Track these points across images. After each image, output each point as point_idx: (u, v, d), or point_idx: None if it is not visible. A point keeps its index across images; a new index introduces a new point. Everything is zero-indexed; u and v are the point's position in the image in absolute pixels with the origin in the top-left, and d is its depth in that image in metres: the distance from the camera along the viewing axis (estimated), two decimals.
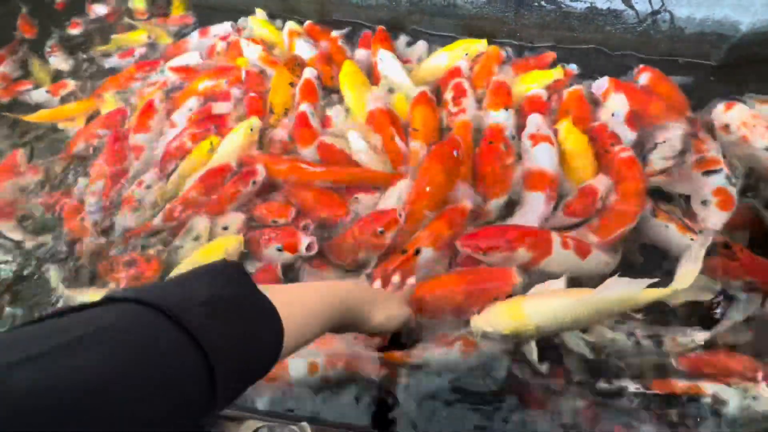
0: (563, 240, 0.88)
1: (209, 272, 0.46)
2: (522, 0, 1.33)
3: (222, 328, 0.39)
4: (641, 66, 1.22)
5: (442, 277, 0.91)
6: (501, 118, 1.13)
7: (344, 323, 0.62)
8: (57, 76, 1.65)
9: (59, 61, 1.68)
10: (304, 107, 1.23)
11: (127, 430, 0.30)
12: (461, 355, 0.82)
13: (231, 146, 1.19)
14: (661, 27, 1.25)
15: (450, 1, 1.43)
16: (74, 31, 1.80)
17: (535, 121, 1.08)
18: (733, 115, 1.04)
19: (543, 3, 1.32)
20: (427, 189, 0.98)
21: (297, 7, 1.66)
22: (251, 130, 1.21)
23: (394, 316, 0.72)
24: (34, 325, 0.33)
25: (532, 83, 1.22)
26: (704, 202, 0.93)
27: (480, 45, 1.34)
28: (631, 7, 1.24)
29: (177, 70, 1.51)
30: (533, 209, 0.98)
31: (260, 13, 1.63)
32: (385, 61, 1.32)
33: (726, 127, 1.04)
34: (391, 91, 1.28)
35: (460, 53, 1.33)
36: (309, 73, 1.32)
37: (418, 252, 0.91)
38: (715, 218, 0.91)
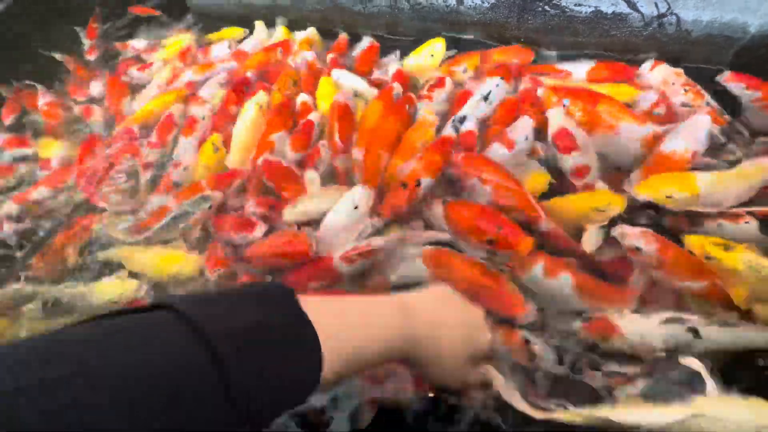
0: None
1: (259, 295, 0.46)
2: (525, 5, 1.32)
3: (257, 359, 0.39)
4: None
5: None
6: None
7: (411, 354, 0.56)
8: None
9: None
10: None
11: None
12: None
13: (244, 124, 1.25)
14: (667, 30, 1.23)
15: (453, 7, 1.42)
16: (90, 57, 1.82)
17: None
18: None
19: (547, 8, 1.31)
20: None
21: (300, 17, 1.67)
22: (260, 107, 1.26)
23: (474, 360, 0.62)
24: (64, 333, 0.34)
25: None
26: None
27: (439, 44, 1.40)
28: (637, 10, 1.22)
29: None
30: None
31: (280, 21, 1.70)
32: (342, 78, 1.36)
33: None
34: (356, 94, 1.31)
35: (427, 54, 1.40)
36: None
37: (419, 183, 0.97)
38: None
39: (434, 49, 1.40)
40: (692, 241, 0.81)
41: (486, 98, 1.14)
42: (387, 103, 1.20)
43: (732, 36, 1.19)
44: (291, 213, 1.03)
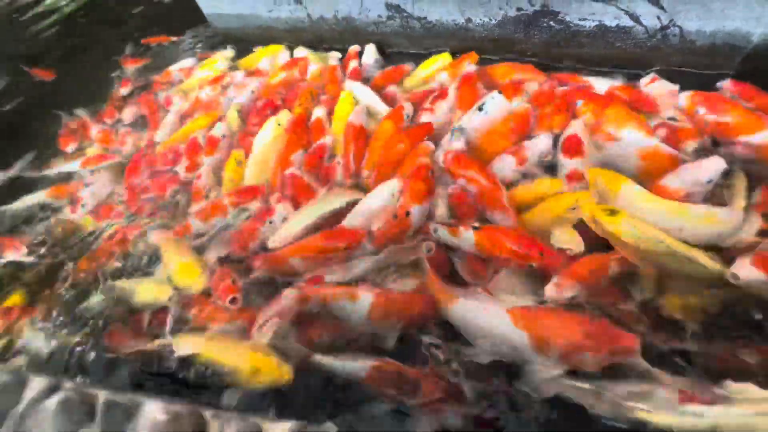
0: None
1: None
2: (531, 21, 1.38)
3: None
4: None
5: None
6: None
7: None
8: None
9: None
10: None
11: None
12: None
13: (263, 140, 1.35)
14: (671, 41, 1.26)
15: (462, 24, 1.49)
16: (123, 90, 1.94)
17: None
18: (652, 88, 1.19)
19: (552, 23, 1.36)
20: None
21: (319, 38, 1.76)
22: (279, 124, 1.36)
23: None
24: None
25: None
26: None
27: (443, 59, 1.48)
28: (639, 23, 1.26)
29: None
30: None
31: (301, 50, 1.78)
32: (356, 90, 1.44)
33: None
34: (369, 113, 1.38)
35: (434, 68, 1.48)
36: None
37: (408, 214, 1.03)
38: None
39: (441, 62, 1.48)
40: (585, 206, 0.94)
41: (481, 109, 1.19)
42: (397, 123, 1.27)
43: (736, 45, 1.21)
44: (274, 241, 1.11)
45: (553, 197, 1.02)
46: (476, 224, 1.00)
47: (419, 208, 1.05)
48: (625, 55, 1.34)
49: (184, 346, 0.94)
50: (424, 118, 1.27)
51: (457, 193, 1.07)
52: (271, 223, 1.15)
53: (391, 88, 1.47)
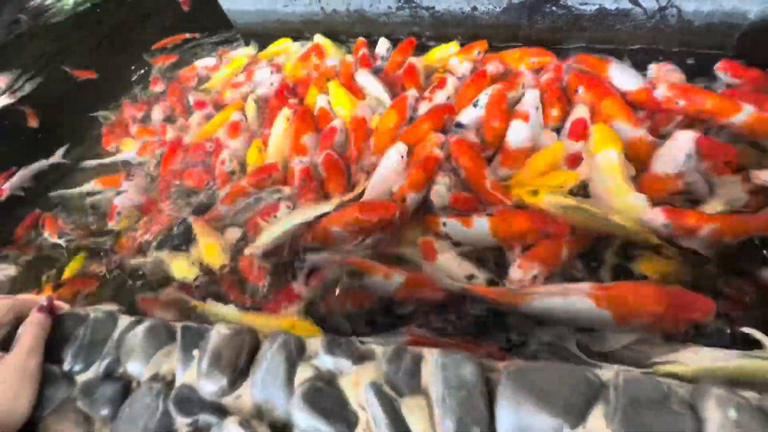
0: None
1: None
2: (534, 7, 1.44)
3: None
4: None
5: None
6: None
7: None
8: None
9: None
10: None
11: None
12: None
13: (276, 132, 1.47)
14: (670, 21, 1.31)
15: (468, 13, 1.56)
16: (156, 88, 2.06)
17: None
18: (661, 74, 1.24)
19: (554, 8, 1.42)
20: None
21: (332, 30, 1.86)
22: (287, 119, 1.47)
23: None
24: None
25: None
26: None
27: (453, 47, 1.56)
28: (638, 5, 1.31)
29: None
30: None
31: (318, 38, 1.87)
32: (364, 81, 1.53)
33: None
34: (372, 106, 1.46)
35: (444, 52, 1.57)
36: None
37: (404, 200, 1.12)
38: None
39: (448, 50, 1.56)
40: (515, 191, 1.06)
41: (475, 105, 1.27)
42: (401, 113, 1.35)
43: (733, 23, 1.25)
44: (253, 247, 1.18)
45: (540, 179, 1.11)
46: (489, 211, 1.05)
47: (415, 196, 1.13)
48: (626, 37, 1.40)
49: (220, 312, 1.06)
50: (423, 106, 1.35)
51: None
52: (276, 218, 1.24)
53: (411, 59, 1.55)
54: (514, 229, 1.00)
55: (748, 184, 0.94)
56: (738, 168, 0.99)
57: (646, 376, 0.45)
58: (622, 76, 1.23)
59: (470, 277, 1.00)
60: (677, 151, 1.01)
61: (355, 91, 1.54)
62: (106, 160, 1.77)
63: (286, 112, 1.49)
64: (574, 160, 1.10)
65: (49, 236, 1.51)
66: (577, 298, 0.86)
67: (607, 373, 0.48)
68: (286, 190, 1.31)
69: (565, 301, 0.87)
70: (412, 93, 1.39)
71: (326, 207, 1.16)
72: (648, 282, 0.90)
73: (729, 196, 0.94)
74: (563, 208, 0.99)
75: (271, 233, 1.17)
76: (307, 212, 1.18)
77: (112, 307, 0.76)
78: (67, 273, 1.37)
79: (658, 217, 0.94)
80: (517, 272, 0.95)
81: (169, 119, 1.87)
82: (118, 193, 1.53)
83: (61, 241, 1.49)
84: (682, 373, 0.69)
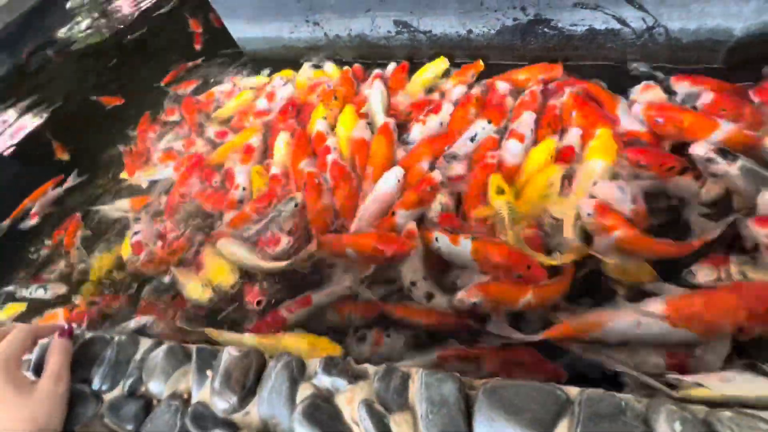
0: None
1: None
2: (527, 29, 1.50)
3: None
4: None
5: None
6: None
7: None
8: None
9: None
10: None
11: None
12: None
13: (279, 154, 1.57)
14: (658, 40, 1.36)
15: (464, 36, 1.63)
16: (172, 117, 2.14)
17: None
18: (645, 96, 1.27)
19: (546, 30, 1.48)
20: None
21: (334, 53, 1.94)
22: (286, 143, 1.57)
23: None
24: None
25: None
26: None
27: (442, 63, 1.64)
28: (627, 25, 1.36)
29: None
30: None
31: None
32: (372, 96, 1.60)
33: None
34: (369, 125, 1.52)
35: (431, 74, 1.65)
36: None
37: (393, 213, 1.19)
38: None
39: (436, 67, 1.65)
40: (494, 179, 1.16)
41: (472, 140, 1.32)
42: (387, 138, 1.41)
43: (719, 40, 1.29)
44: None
45: (532, 180, 1.18)
46: (475, 235, 1.08)
47: (404, 213, 1.19)
48: (616, 55, 1.44)
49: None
50: (416, 128, 1.42)
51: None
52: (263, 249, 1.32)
53: (399, 97, 1.61)
54: (489, 259, 1.02)
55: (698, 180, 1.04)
56: (683, 167, 1.06)
57: (606, 392, 0.51)
58: (629, 118, 1.24)
59: (429, 297, 1.05)
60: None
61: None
62: (144, 181, 1.84)
63: (284, 137, 1.57)
64: (567, 155, 1.18)
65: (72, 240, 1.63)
66: (653, 321, 0.81)
67: (574, 389, 0.53)
68: (299, 195, 1.37)
69: (642, 328, 0.82)
70: (391, 120, 1.47)
71: (280, 264, 1.23)
72: (722, 287, 0.83)
73: (689, 194, 1.03)
74: (512, 210, 1.08)
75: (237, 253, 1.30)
76: (261, 263, 1.26)
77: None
78: (95, 274, 1.48)
79: (588, 205, 1.02)
80: (460, 294, 0.99)
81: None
82: (135, 233, 1.56)
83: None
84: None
